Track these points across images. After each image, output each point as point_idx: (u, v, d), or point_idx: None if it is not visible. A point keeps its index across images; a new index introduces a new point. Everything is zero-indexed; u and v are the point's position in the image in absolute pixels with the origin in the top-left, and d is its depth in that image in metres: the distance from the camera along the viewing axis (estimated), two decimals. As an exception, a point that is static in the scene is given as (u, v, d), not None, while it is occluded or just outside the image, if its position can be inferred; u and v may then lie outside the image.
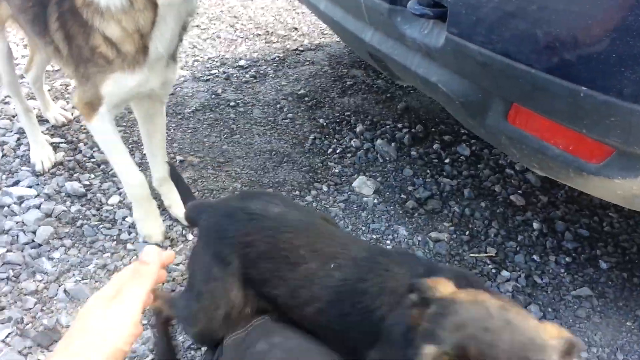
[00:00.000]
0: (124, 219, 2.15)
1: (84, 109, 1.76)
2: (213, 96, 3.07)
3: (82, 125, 2.68)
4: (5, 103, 2.78)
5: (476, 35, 1.23)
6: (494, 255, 2.13)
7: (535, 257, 2.12)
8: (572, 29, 1.07)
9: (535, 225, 2.27)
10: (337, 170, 2.55)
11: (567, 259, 2.11)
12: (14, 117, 2.68)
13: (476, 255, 2.12)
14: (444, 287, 0.82)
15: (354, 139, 2.76)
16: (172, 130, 2.72)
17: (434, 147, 2.74)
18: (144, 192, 1.97)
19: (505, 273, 2.04)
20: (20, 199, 2.16)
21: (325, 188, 2.43)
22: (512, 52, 1.18)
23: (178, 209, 2.09)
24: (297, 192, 2.39)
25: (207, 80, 3.25)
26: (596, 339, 1.78)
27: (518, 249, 2.17)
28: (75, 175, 2.35)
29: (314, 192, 2.39)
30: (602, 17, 1.03)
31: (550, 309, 1.89)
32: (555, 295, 1.95)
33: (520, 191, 2.48)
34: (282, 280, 1.12)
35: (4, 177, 2.29)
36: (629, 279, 2.02)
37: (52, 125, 2.66)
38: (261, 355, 0.95)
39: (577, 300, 1.93)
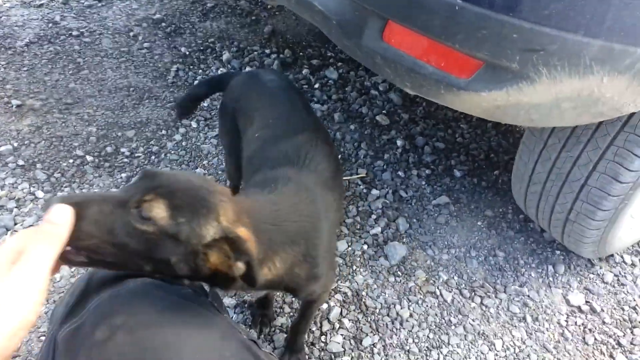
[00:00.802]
0: (-46, 181, 1.85)
1: None
2: (50, 25, 2.65)
3: None
4: None
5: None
6: (364, 175, 2.24)
7: (400, 173, 2.27)
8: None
9: (399, 142, 2.41)
10: (205, 104, 2.41)
11: (427, 172, 2.29)
12: None
13: (349, 177, 2.21)
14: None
15: (221, 69, 2.61)
16: (2, 70, 2.32)
17: (303, 72, 2.71)
18: None
19: (374, 191, 2.17)
20: None
21: (194, 124, 2.30)
22: None
23: None
24: (164, 132, 2.23)
25: (40, 5, 2.78)
26: (454, 241, 2.01)
27: (385, 167, 2.30)
28: None
29: (182, 130, 2.26)
30: None
31: (415, 220, 2.07)
32: (419, 206, 2.14)
33: (384, 111, 2.59)
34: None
35: None
36: (478, 183, 2.27)
37: None
38: (101, 347, 0.77)
39: (437, 209, 2.13)
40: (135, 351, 0.77)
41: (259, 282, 0.91)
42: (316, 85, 2.65)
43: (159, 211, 0.80)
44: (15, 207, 1.80)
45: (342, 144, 2.37)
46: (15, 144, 2.02)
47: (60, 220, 0.73)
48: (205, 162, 2.16)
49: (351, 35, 1.46)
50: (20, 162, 1.95)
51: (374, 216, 2.07)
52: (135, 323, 0.81)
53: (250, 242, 0.87)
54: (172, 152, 2.16)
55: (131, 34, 2.72)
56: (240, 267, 0.87)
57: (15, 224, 1.75)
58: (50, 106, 2.20)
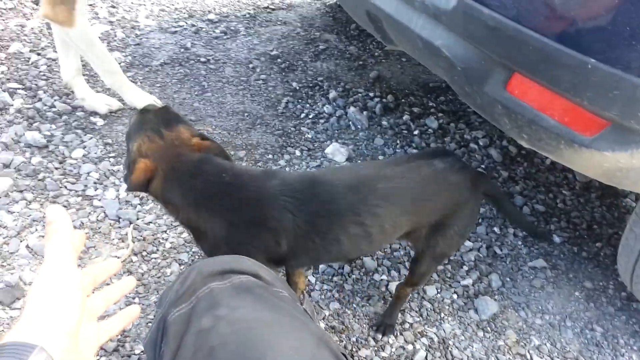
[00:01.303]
0: (88, 174, 2.06)
1: (60, 13, 1.74)
2: (182, 50, 2.94)
3: (41, 72, 2.50)
4: (-48, 40, 2.54)
5: (491, -1, 1.25)
6: (458, 226, 2.23)
7: (495, 229, 2.23)
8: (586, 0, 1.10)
9: (497, 199, 2.38)
10: (310, 136, 2.54)
11: (524, 232, 2.23)
12: (-39, 56, 2.47)
13: (442, 225, 2.21)
14: None
15: (327, 105, 2.75)
16: (139, 83, 2.59)
17: (404, 118, 2.78)
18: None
19: (468, 243, 2.14)
20: (-25, 147, 2.01)
21: (298, 153, 2.43)
22: (525, 19, 1.20)
23: (92, 100, 2.32)
24: (270, 156, 2.37)
25: (175, 32, 3.11)
26: (549, 307, 1.92)
27: (480, 220, 2.27)
28: (35, 124, 2.21)
29: (287, 157, 2.38)
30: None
31: (508, 279, 2.02)
32: (514, 265, 2.08)
33: (483, 166, 2.58)
34: None
35: (-47, 122, 2.12)
36: (578, 253, 2.18)
37: (8, 69, 2.47)
38: (205, 334, 0.83)
39: (532, 271, 2.06)
40: (235, 342, 0.81)
41: (134, 182, 1.21)
42: (415, 132, 2.71)
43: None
44: (139, 204, 1.97)
45: (437, 191, 2.38)
46: (143, 149, 2.22)
47: (53, 218, 0.77)
48: (305, 189, 2.25)
49: (474, 83, 1.52)
50: (145, 166, 2.14)
51: (465, 267, 2.04)
52: (237, 316, 0.85)
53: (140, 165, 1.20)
54: (276, 176, 2.28)
55: (250, 65, 2.95)
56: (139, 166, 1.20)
57: (138, 218, 1.91)
58: (175, 120, 2.42)
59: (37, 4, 3.04)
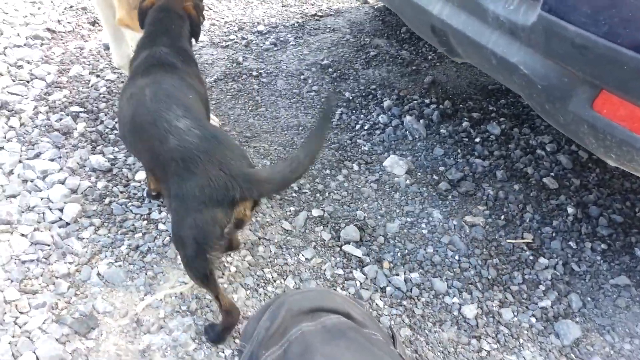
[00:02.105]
0: (152, 196, 2.08)
1: (135, 18, 1.92)
2: (234, 65, 2.94)
3: (101, 94, 2.56)
4: (19, 67, 2.63)
5: (577, 16, 1.14)
6: (530, 241, 2.11)
7: (571, 243, 2.09)
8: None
9: (570, 210, 2.24)
10: (366, 148, 2.48)
11: (603, 246, 2.09)
12: (28, 82, 2.55)
13: (513, 241, 2.10)
14: None
15: (382, 115, 2.67)
16: (194, 101, 2.60)
17: (463, 124, 2.67)
18: None
19: (543, 260, 2.02)
20: (44, 174, 2.07)
21: (355, 167, 2.36)
22: (618, 37, 1.09)
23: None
24: (328, 171, 2.32)
25: (227, 46, 3.11)
26: (637, 330, 1.78)
27: (554, 234, 2.14)
28: (98, 147, 2.26)
29: (345, 172, 2.33)
30: None
31: (589, 298, 1.88)
32: (594, 283, 1.94)
33: (552, 173, 2.43)
34: None
35: (24, 148, 2.18)
36: (665, 268, 2.01)
37: (70, 93, 2.54)
38: None
39: (615, 290, 1.92)
40: None
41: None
42: (477, 139, 2.59)
43: None
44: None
45: (505, 203, 2.27)
46: (202, 169, 2.22)
47: None
48: (365, 205, 2.19)
49: (556, 101, 1.41)
50: (206, 186, 2.14)
51: (542, 287, 1.92)
52: None
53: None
54: (335, 191, 2.23)
55: (302, 77, 2.91)
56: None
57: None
58: (232, 138, 2.41)
59: (93, 25, 3.12)
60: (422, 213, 2.18)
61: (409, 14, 1.91)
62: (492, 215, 2.20)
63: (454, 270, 1.96)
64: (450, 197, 2.27)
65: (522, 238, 2.12)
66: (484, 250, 2.05)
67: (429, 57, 3.18)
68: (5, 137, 2.21)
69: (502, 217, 2.20)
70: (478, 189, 2.32)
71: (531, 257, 2.03)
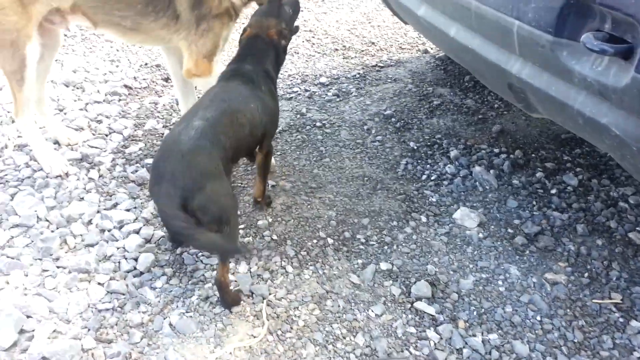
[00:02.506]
0: (221, 247, 2.09)
1: (203, 63, 2.28)
2: (298, 116, 3.00)
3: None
4: (99, 122, 2.81)
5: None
6: (619, 301, 1.93)
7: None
8: None
9: (662, 268, 2.05)
10: (434, 200, 2.41)
11: None
12: (107, 135, 2.70)
13: (600, 301, 1.93)
14: None
15: (449, 165, 2.61)
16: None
17: (537, 175, 2.55)
18: None
19: (635, 323, 1.84)
20: (120, 224, 2.14)
21: (424, 219, 2.30)
22: None
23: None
24: (395, 223, 2.26)
25: (291, 98, 3.19)
26: None
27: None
28: (170, 198, 2.32)
29: (412, 223, 2.26)
30: None
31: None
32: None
33: (639, 228, 2.25)
34: None
35: (102, 199, 2.29)
36: None
37: (145, 145, 2.66)
38: None
39: None
40: None
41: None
42: (553, 191, 2.46)
43: None
44: (269, 279, 1.95)
45: (588, 260, 2.11)
46: (270, 220, 2.23)
47: None
48: (435, 259, 2.10)
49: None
50: (274, 237, 2.14)
51: (636, 354, 1.74)
52: None
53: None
54: (403, 244, 2.16)
55: (365, 127, 2.92)
56: None
57: (270, 294, 1.88)
58: (298, 188, 2.42)
59: (166, 81, 3.31)
60: (498, 269, 2.06)
61: (483, 71, 1.88)
62: (574, 272, 2.05)
63: (536, 332, 1.82)
64: (527, 252, 2.15)
65: (610, 298, 1.95)
66: (568, 310, 1.90)
67: (496, 105, 3.12)
68: (85, 189, 2.32)
69: (586, 274, 2.05)
70: (558, 244, 2.18)
71: (621, 320, 1.86)
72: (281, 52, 2.19)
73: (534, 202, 2.39)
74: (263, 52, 2.13)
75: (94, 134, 2.71)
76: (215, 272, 1.98)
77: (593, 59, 1.28)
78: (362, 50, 3.87)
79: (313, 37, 4.03)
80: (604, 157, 2.67)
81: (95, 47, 3.65)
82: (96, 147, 2.60)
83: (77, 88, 3.12)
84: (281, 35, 2.16)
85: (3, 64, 2.15)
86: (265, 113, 2.00)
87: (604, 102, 1.30)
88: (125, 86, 3.19)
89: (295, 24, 2.31)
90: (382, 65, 3.66)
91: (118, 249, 2.04)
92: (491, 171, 2.56)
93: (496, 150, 2.73)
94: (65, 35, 3.74)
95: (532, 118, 2.99)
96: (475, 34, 1.74)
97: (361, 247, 2.14)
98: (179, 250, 2.05)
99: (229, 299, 1.82)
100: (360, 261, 2.07)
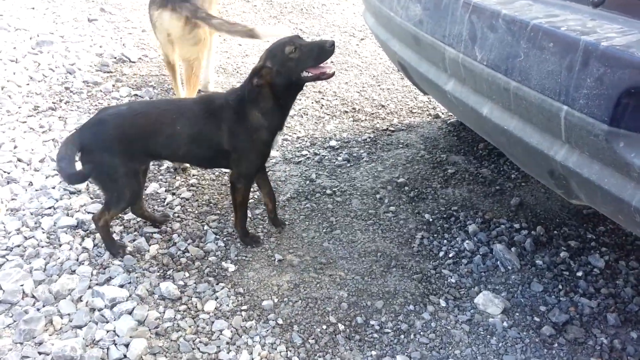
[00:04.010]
0: (221, 332, 1.90)
1: None
2: (307, 182, 2.87)
3: (175, 212, 2.52)
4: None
5: None
6: (664, 410, 1.72)
7: None
8: None
9: None
10: (453, 280, 2.24)
11: None
12: (106, 200, 2.56)
13: (644, 409, 1.72)
14: None
15: (467, 241, 2.45)
16: (267, 224, 2.51)
17: (561, 255, 2.39)
18: None
19: None
20: (112, 302, 1.96)
21: (443, 303, 2.11)
22: None
23: None
24: (412, 307, 2.08)
25: (299, 162, 3.08)
26: None
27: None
28: (169, 272, 2.16)
29: (431, 308, 2.08)
30: None
31: None
32: None
33: (675, 318, 2.07)
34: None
35: (95, 272, 2.12)
36: None
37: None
38: None
39: None
40: None
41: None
42: (579, 273, 2.29)
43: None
44: None
45: (622, 356, 1.91)
46: (276, 300, 2.06)
47: None
48: (457, 351, 1.90)
49: None
50: (280, 321, 1.96)
51: None
52: None
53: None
54: (421, 333, 1.97)
55: (377, 196, 2.79)
56: None
57: (274, 394, 1.68)
58: (306, 264, 2.26)
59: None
60: (526, 365, 1.86)
61: (519, 154, 1.75)
62: (611, 371, 1.85)
63: None
64: (556, 344, 1.95)
65: (656, 406, 1.74)
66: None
67: (513, 175, 2.99)
68: (77, 260, 2.16)
69: (623, 374, 1.84)
70: (588, 336, 1.99)
71: None
72: (263, 91, 2.09)
73: (560, 286, 2.21)
74: (242, 87, 2.17)
75: (92, 198, 2.58)
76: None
77: (655, 152, 1.16)
78: (372, 113, 3.80)
79: (322, 98, 3.98)
80: (630, 236, 2.52)
81: (100, 104, 3.58)
82: (93, 213, 2.46)
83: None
84: (256, 74, 2.07)
85: None
86: (213, 134, 2.13)
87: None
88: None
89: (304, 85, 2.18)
90: (392, 129, 3.57)
91: (108, 332, 1.85)
92: (512, 249, 2.40)
93: (516, 226, 2.57)
94: (70, 91, 3.69)
95: (552, 191, 2.86)
96: (512, 115, 1.62)
97: (375, 335, 1.95)
98: (174, 336, 1.86)
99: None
100: (374, 353, 1.87)
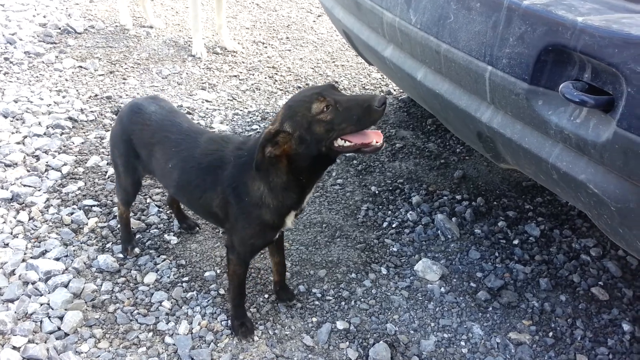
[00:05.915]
0: (160, 303, 1.89)
1: None
2: (255, 156, 2.85)
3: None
4: (36, 157, 2.58)
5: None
6: (585, 365, 1.83)
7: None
8: None
9: (625, 327, 1.98)
10: (395, 249, 2.29)
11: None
12: (43, 173, 2.47)
13: (566, 365, 1.83)
14: None
15: (410, 212, 2.51)
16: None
17: (499, 224, 2.48)
18: None
19: (602, 390, 1.74)
20: (47, 275, 1.91)
21: (384, 270, 2.17)
22: None
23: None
24: (354, 275, 2.12)
25: (249, 136, 3.04)
26: None
27: (610, 356, 1.87)
28: (108, 245, 2.11)
29: (372, 276, 2.13)
30: None
31: None
32: None
33: (601, 282, 2.19)
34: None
35: (29, 245, 2.05)
36: None
37: (85, 184, 2.44)
38: None
39: None
40: None
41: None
42: (515, 241, 2.39)
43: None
44: (213, 341, 1.76)
45: (552, 317, 2.02)
46: (218, 271, 2.05)
47: None
48: (395, 316, 1.96)
49: (633, 226, 1.22)
50: (221, 291, 1.96)
51: None
52: None
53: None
54: (362, 299, 2.02)
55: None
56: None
57: (212, 359, 1.69)
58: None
59: (116, 115, 3.11)
60: (461, 328, 1.94)
61: (451, 117, 1.79)
62: (539, 331, 1.95)
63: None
64: (491, 308, 2.04)
65: (575, 359, 1.85)
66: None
67: (458, 150, 3.07)
68: (12, 233, 2.08)
69: (550, 334, 1.95)
70: (521, 300, 2.09)
71: (590, 387, 1.75)
72: (277, 164, 1.50)
73: (497, 254, 2.30)
74: (251, 148, 1.62)
75: (28, 171, 2.48)
76: (151, 333, 1.77)
77: (571, 110, 1.20)
78: (325, 89, 3.79)
79: (276, 74, 3.93)
80: (565, 206, 2.64)
81: (42, 76, 3.43)
82: (29, 186, 2.37)
83: (17, 119, 2.88)
84: (269, 141, 1.45)
85: None
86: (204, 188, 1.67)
87: (581, 157, 1.21)
88: (70, 118, 2.98)
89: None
90: (344, 104, 3.58)
91: (41, 305, 1.80)
92: (453, 219, 2.47)
93: (458, 197, 2.65)
94: (10, 62, 3.51)
95: (494, 164, 2.95)
96: (444, 79, 1.65)
97: (316, 302, 1.98)
98: (111, 308, 1.83)
99: None
100: (315, 319, 1.90)
